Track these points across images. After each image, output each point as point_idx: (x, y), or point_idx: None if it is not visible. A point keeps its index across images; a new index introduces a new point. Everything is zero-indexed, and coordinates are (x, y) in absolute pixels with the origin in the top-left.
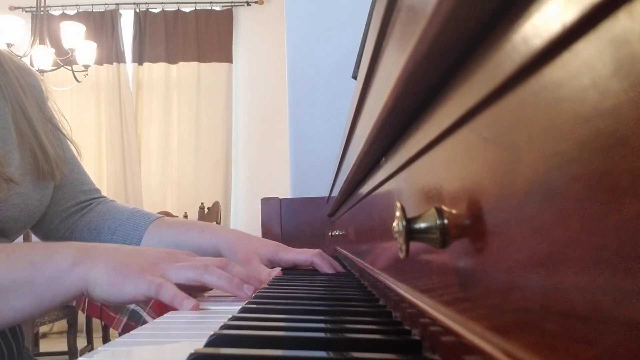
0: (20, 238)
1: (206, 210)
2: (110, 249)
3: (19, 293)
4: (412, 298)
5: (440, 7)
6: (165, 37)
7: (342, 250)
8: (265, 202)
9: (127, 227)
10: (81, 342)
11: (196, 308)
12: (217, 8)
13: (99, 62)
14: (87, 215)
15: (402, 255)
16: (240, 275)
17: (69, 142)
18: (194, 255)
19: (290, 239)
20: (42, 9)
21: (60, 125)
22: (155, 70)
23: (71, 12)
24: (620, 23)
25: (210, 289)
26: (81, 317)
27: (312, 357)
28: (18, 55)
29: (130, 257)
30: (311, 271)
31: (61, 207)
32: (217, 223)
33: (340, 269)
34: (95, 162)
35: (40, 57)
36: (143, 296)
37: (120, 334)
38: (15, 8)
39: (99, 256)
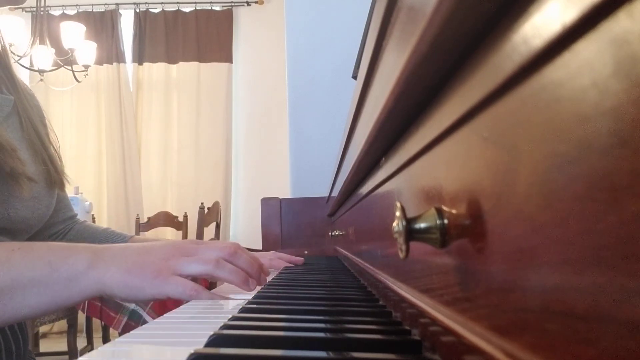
0: None
1: (206, 210)
2: (120, 250)
3: (35, 291)
4: (412, 298)
5: (440, 7)
6: (165, 37)
7: (342, 250)
8: (265, 202)
9: None
10: (81, 342)
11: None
12: (217, 8)
13: (99, 62)
14: (66, 236)
15: (402, 255)
16: (247, 266)
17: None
18: (197, 242)
19: (290, 239)
20: (42, 9)
21: (54, 143)
22: (155, 70)
23: (71, 12)
24: (620, 23)
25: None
26: (81, 317)
27: (312, 357)
28: (18, 55)
29: (141, 257)
30: (311, 270)
31: (50, 231)
32: (217, 223)
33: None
34: (95, 162)
35: (40, 57)
36: (166, 296)
37: (120, 334)
38: (15, 8)
39: (111, 260)
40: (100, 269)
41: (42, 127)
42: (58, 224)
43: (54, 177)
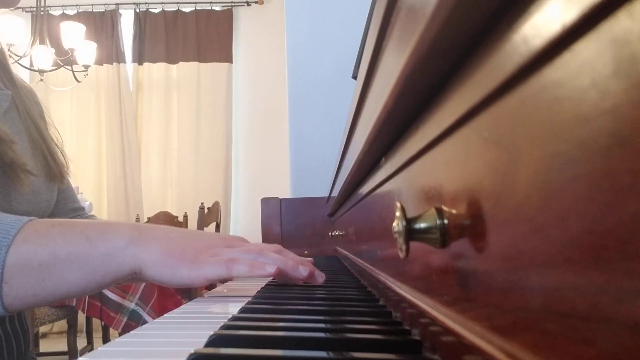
0: None
1: (206, 210)
2: (164, 231)
3: (74, 266)
4: (412, 298)
5: (440, 7)
6: (165, 37)
7: (342, 250)
8: (265, 202)
9: None
10: (81, 342)
11: (278, 272)
12: (217, 8)
13: (99, 62)
14: None
15: (402, 255)
16: (295, 259)
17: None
18: (246, 240)
19: (291, 239)
20: (42, 9)
21: (55, 139)
22: (155, 70)
23: (71, 12)
24: (620, 23)
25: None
26: (81, 317)
27: (312, 357)
28: (18, 55)
29: (184, 240)
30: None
31: None
32: (217, 223)
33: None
34: (95, 162)
35: (40, 57)
36: (204, 279)
37: (120, 334)
38: (15, 8)
39: (153, 238)
40: (139, 247)
41: (42, 122)
42: (61, 216)
43: (54, 170)
